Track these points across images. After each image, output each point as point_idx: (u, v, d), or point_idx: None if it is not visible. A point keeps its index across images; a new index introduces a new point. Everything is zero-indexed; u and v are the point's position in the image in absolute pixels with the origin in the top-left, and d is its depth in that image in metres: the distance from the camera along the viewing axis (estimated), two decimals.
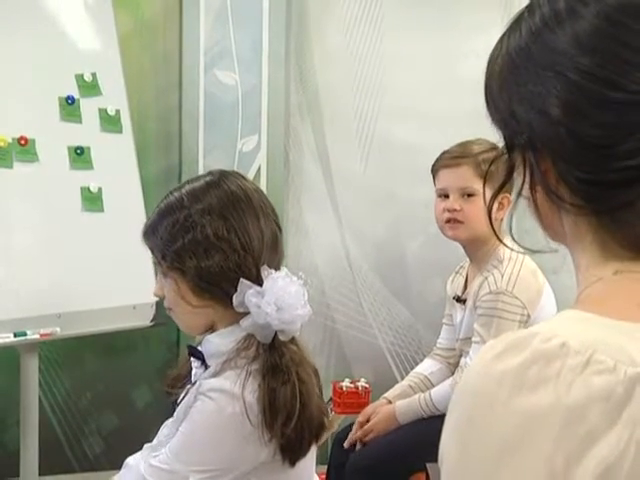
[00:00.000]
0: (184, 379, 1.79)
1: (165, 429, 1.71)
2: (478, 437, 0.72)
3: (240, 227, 1.65)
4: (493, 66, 0.88)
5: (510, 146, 0.85)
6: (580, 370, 0.70)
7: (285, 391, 1.60)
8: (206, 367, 1.70)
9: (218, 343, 1.67)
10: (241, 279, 1.61)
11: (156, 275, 1.76)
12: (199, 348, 1.73)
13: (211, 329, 1.71)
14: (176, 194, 1.70)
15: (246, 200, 1.68)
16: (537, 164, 0.81)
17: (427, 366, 2.84)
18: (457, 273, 2.75)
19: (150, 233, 1.70)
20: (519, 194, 0.86)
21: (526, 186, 0.84)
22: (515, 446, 0.70)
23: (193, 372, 1.74)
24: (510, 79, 0.84)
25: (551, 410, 0.69)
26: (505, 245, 2.55)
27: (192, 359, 1.75)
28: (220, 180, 1.71)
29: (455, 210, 2.58)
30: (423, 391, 2.72)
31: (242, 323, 1.63)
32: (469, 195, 2.58)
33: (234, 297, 1.61)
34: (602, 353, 0.70)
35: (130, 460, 1.70)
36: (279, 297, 1.61)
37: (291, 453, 1.64)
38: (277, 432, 1.59)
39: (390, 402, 2.72)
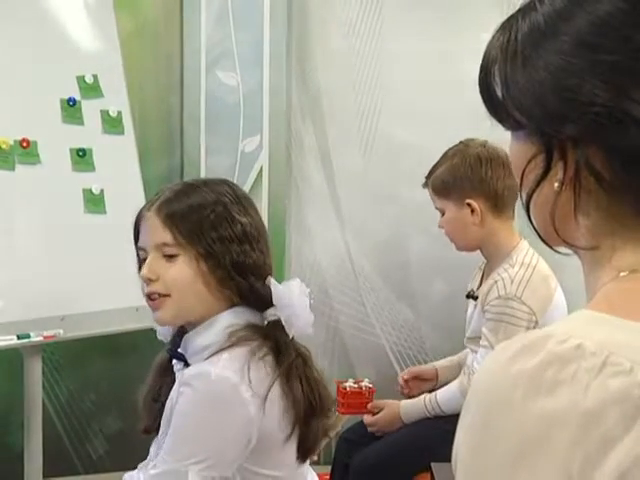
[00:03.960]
0: (162, 391, 1.79)
1: (154, 445, 1.71)
2: (493, 440, 0.71)
3: (263, 230, 1.77)
4: (503, 51, 0.84)
5: (545, 140, 0.80)
6: (596, 373, 0.69)
7: (302, 383, 1.67)
8: (188, 367, 1.71)
9: (202, 338, 1.70)
10: (270, 279, 1.71)
11: (142, 259, 1.75)
12: (179, 350, 1.75)
13: (191, 324, 1.73)
14: (204, 188, 1.75)
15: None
16: (582, 152, 0.78)
17: None
18: (479, 268, 2.76)
19: (174, 215, 1.70)
20: (532, 192, 0.82)
21: (555, 183, 0.80)
22: (531, 449, 0.69)
23: (176, 376, 1.74)
24: (537, 64, 0.80)
25: (567, 413, 0.68)
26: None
27: (174, 362, 1.76)
28: (234, 185, 1.82)
29: (442, 227, 2.68)
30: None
31: (273, 313, 1.69)
32: (443, 214, 2.66)
33: (273, 288, 1.68)
34: (618, 355, 0.69)
35: (126, 476, 1.69)
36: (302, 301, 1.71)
37: (306, 447, 1.68)
38: (299, 421, 1.65)
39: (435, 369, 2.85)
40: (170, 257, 1.69)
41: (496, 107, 0.86)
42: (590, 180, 0.78)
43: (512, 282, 2.50)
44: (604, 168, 0.77)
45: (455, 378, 2.72)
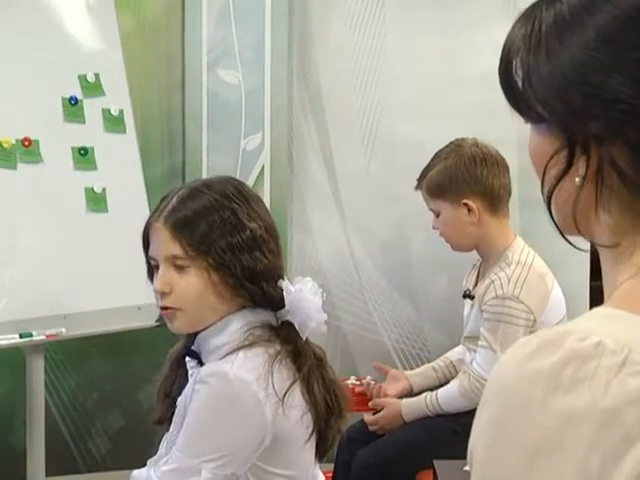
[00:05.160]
0: (175, 385, 1.79)
1: (165, 441, 1.72)
2: (511, 437, 0.70)
3: (274, 229, 1.76)
4: (526, 42, 0.81)
5: (568, 136, 0.79)
6: (616, 371, 0.68)
7: (319, 382, 1.70)
8: (202, 365, 1.72)
9: (217, 339, 1.70)
10: (282, 282, 1.70)
11: (153, 272, 1.75)
12: (192, 348, 1.75)
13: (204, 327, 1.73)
14: (210, 192, 1.73)
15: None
16: (606, 150, 0.76)
17: (455, 352, 2.87)
18: (474, 266, 2.76)
19: (183, 227, 1.69)
20: (553, 188, 0.80)
21: (577, 178, 0.78)
22: (550, 447, 0.68)
23: (190, 373, 1.75)
24: (562, 58, 0.78)
25: (587, 412, 0.67)
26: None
27: (188, 360, 1.76)
28: (241, 183, 1.80)
29: (437, 228, 2.70)
30: (446, 375, 2.80)
31: (292, 317, 1.69)
32: (437, 215, 2.67)
33: (286, 294, 1.67)
34: (638, 353, 0.69)
35: (136, 473, 1.69)
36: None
37: (325, 447, 1.71)
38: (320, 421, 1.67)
39: (407, 378, 2.86)
40: (181, 268, 1.69)
41: (517, 99, 0.84)
42: (613, 177, 0.77)
43: (509, 281, 2.51)
44: (627, 165, 0.76)
45: (428, 385, 2.78)
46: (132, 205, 3.00)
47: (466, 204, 2.58)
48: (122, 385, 3.52)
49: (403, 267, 3.60)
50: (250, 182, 3.45)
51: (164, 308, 1.72)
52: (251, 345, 1.64)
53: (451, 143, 2.68)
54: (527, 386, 0.70)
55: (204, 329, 1.72)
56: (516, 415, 0.70)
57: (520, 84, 0.83)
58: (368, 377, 2.93)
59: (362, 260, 3.62)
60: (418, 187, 2.69)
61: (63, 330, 2.77)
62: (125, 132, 3.09)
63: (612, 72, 0.75)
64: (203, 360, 1.71)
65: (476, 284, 2.67)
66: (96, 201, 2.95)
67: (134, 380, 3.46)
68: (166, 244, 1.70)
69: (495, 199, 2.61)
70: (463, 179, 2.58)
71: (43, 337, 2.73)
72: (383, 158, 3.59)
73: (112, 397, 3.54)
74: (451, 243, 2.68)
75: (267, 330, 1.68)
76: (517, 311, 2.48)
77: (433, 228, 2.69)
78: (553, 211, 0.83)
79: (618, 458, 0.67)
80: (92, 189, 2.94)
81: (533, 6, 0.84)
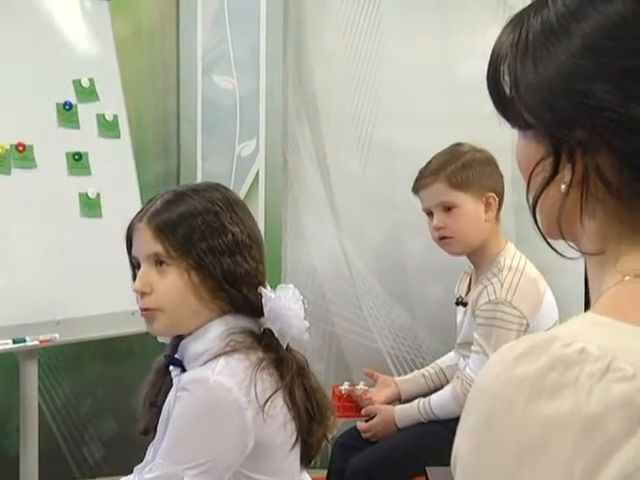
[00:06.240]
0: (160, 393, 1.79)
1: (151, 449, 1.71)
2: (496, 441, 0.70)
3: (257, 236, 1.75)
4: (513, 49, 0.82)
5: (554, 144, 0.79)
6: (599, 377, 0.68)
7: (300, 387, 1.69)
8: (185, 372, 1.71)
9: (198, 345, 1.70)
10: (261, 289, 1.70)
11: (134, 272, 1.76)
12: (176, 356, 1.75)
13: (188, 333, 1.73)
14: (195, 197, 1.73)
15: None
16: (592, 157, 0.77)
17: (446, 359, 2.87)
18: (466, 273, 2.75)
19: (165, 228, 1.70)
20: (539, 195, 0.81)
21: (562, 185, 0.79)
22: (533, 452, 0.68)
23: (174, 380, 1.74)
24: (548, 66, 0.79)
25: (570, 418, 0.68)
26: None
27: (171, 368, 1.76)
28: (227, 189, 1.80)
29: (441, 227, 2.61)
30: (435, 382, 2.79)
31: (271, 324, 1.68)
32: (449, 208, 2.59)
33: (265, 301, 1.67)
34: (621, 360, 0.69)
35: None
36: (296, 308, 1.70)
37: (310, 454, 1.70)
38: (302, 429, 1.67)
39: (396, 384, 2.84)
40: (162, 267, 1.70)
41: (504, 106, 0.85)
42: (598, 185, 0.77)
43: (502, 287, 2.50)
44: (613, 173, 0.76)
45: (417, 392, 2.77)
46: (126, 210, 2.97)
47: (488, 198, 2.57)
48: (116, 391, 3.51)
49: (398, 273, 3.60)
50: (245, 188, 3.45)
51: (144, 310, 1.72)
52: (232, 351, 1.63)
53: (450, 147, 2.67)
54: (512, 391, 0.70)
55: (186, 336, 1.72)
56: (501, 420, 0.71)
57: (507, 91, 0.83)
58: (361, 383, 2.93)
59: (357, 266, 3.62)
60: (429, 181, 2.62)
61: (57, 336, 2.76)
62: (119, 137, 3.09)
63: (598, 80, 0.76)
64: (186, 367, 1.71)
65: (468, 291, 2.66)
66: (90, 206, 2.94)
67: (128, 386, 3.45)
68: (148, 243, 1.71)
69: (501, 201, 2.63)
70: (489, 174, 2.59)
71: (36, 342, 2.72)
72: (378, 164, 3.59)
73: (106, 403, 3.54)
74: (459, 239, 2.61)
75: (248, 337, 1.68)
76: (510, 316, 2.48)
77: (436, 227, 2.62)
78: (538, 217, 0.84)
79: (601, 464, 0.67)
80: (86, 194, 2.94)
81: (521, 13, 0.84)
